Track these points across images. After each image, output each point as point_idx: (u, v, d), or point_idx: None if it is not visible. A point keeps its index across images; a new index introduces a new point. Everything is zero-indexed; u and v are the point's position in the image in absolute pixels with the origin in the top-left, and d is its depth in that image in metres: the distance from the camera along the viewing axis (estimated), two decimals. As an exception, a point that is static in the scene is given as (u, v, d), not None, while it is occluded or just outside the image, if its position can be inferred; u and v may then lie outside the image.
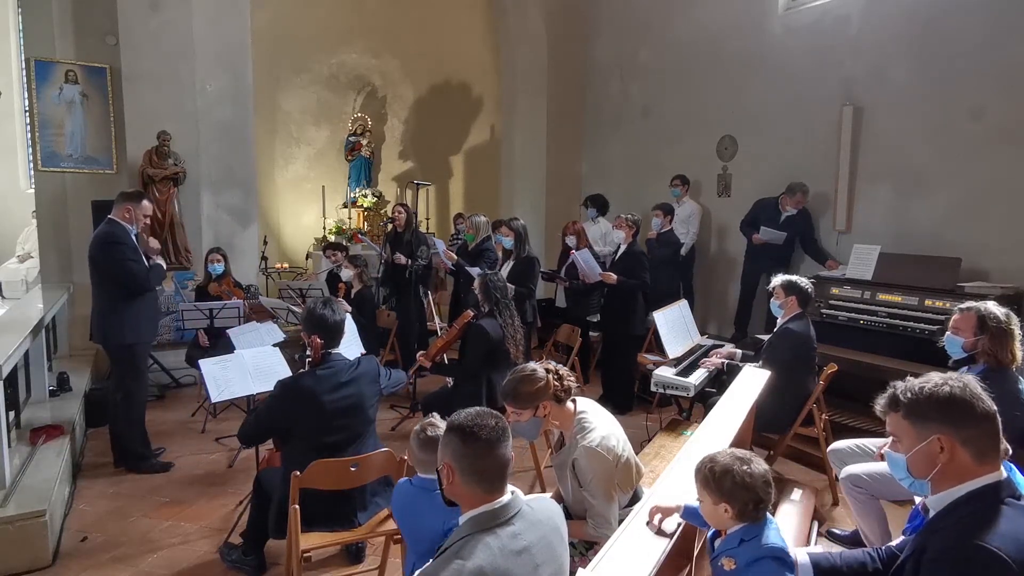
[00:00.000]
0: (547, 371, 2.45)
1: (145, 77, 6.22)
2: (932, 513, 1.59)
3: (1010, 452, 2.05)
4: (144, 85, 6.22)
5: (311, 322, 2.94)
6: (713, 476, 1.72)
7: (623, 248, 5.41)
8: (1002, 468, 1.55)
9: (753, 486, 1.68)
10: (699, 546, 2.06)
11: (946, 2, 5.06)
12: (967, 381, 1.57)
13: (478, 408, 1.73)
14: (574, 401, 2.51)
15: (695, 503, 1.92)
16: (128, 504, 3.87)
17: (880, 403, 1.67)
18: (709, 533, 1.84)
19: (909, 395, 1.58)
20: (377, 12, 9.31)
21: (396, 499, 2.38)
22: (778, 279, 3.94)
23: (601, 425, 2.44)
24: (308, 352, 2.95)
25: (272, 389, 2.93)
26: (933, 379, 1.58)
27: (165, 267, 4.38)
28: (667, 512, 1.91)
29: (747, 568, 1.66)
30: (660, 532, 1.87)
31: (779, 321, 3.95)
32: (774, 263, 5.96)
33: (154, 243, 4.45)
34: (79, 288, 5.98)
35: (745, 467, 1.70)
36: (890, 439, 1.66)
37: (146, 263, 4.13)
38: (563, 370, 2.50)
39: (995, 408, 1.56)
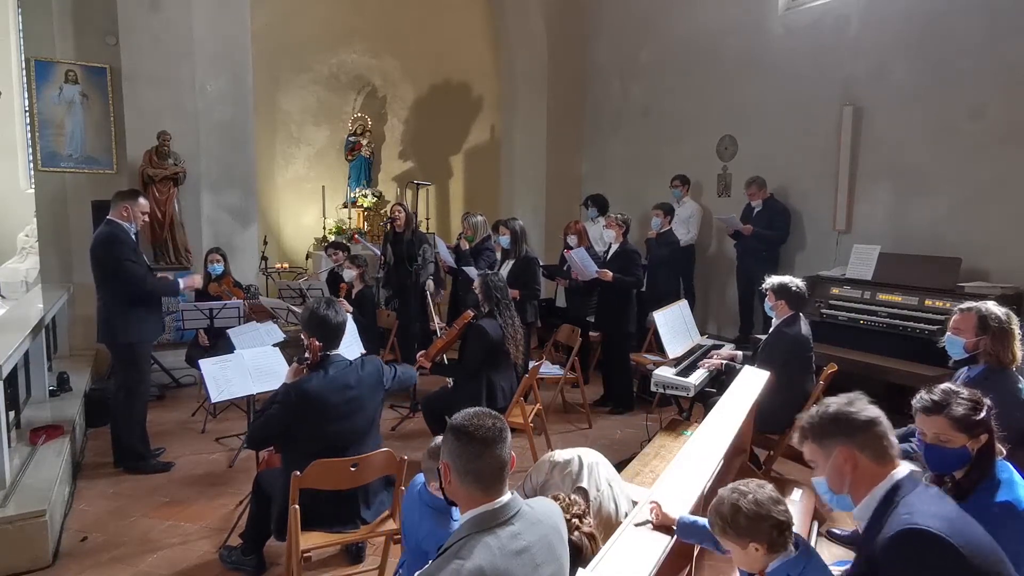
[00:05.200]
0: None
1: (145, 77, 6.21)
2: (863, 525, 1.71)
3: (1004, 452, 2.05)
4: (144, 85, 6.21)
5: (312, 323, 2.87)
6: (726, 520, 1.68)
7: (615, 247, 5.42)
8: (901, 464, 1.72)
9: (767, 512, 1.65)
10: (699, 546, 2.06)
11: (946, 2, 5.06)
12: (851, 397, 1.78)
13: (477, 408, 1.72)
14: None
15: (689, 516, 1.91)
16: (128, 504, 3.87)
17: (794, 438, 1.88)
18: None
19: (808, 421, 1.80)
20: (377, 12, 9.30)
21: (408, 494, 2.45)
22: (769, 281, 3.93)
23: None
24: (307, 354, 2.88)
25: (277, 394, 2.88)
26: (824, 402, 1.80)
27: (179, 287, 4.36)
28: (666, 521, 1.92)
29: None
30: (663, 520, 1.90)
31: (773, 323, 3.95)
32: (758, 262, 5.98)
33: (197, 280, 4.65)
34: (79, 288, 5.98)
35: (749, 496, 1.67)
36: None
37: (148, 265, 4.14)
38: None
39: (878, 413, 1.73)
